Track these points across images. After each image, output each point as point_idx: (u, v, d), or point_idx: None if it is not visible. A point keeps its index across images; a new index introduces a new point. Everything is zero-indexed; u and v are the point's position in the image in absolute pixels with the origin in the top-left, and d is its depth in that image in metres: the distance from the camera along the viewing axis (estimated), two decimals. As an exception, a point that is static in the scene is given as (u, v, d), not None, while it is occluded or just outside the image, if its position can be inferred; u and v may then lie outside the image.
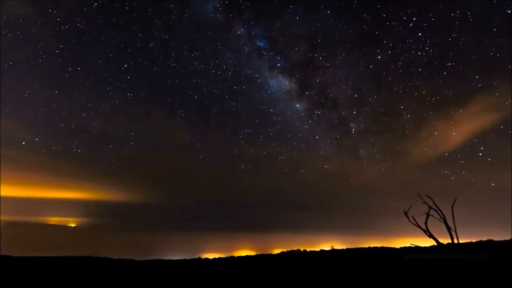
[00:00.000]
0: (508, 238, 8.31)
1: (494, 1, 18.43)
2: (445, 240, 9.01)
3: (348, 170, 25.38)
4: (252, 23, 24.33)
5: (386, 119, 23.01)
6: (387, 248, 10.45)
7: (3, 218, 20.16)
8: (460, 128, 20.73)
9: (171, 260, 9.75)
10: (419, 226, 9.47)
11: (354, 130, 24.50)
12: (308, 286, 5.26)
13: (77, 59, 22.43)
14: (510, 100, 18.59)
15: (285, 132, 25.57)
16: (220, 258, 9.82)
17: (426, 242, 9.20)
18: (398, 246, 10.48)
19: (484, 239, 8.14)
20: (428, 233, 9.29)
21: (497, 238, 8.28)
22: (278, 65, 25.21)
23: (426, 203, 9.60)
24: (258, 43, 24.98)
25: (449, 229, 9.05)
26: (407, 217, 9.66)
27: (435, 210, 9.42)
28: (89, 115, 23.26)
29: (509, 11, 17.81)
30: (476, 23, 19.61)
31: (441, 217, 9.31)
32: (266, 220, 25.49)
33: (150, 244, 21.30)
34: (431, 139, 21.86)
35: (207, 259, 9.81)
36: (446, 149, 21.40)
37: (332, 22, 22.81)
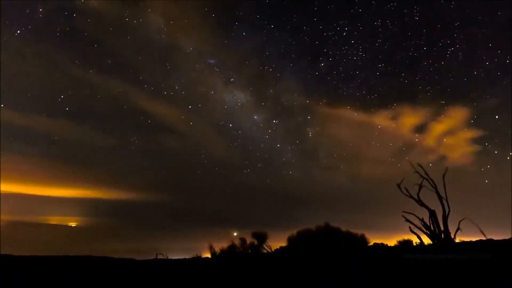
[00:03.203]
0: (508, 237, 8.32)
1: (405, 11, 22.55)
2: (437, 208, 9.09)
3: (309, 172, 26.86)
4: (200, 41, 24.04)
5: (336, 119, 25.37)
6: (387, 246, 10.48)
7: (3, 217, 20.13)
8: (398, 122, 23.95)
9: (171, 259, 9.77)
10: (411, 197, 9.54)
11: (311, 134, 25.95)
12: (308, 284, 5.26)
13: (8, 93, 20.45)
14: (442, 99, 22.52)
15: (247, 145, 25.58)
16: (220, 257, 9.82)
17: (418, 212, 9.32)
18: (385, 241, 10.61)
19: (484, 238, 8.15)
20: (420, 203, 9.37)
21: (497, 237, 8.29)
22: (232, 79, 25.41)
23: (418, 172, 9.67)
24: (209, 61, 24.70)
25: (440, 198, 9.11)
26: (400, 188, 9.75)
27: (426, 179, 9.48)
28: (26, 154, 21.60)
29: (417, 18, 22.33)
30: (394, 29, 23.29)
31: (432, 186, 9.36)
32: (265, 219, 25.60)
33: (150, 244, 21.30)
34: (376, 133, 24.58)
35: (207, 258, 9.82)
36: (391, 141, 24.26)
37: (277, 36, 24.55)
